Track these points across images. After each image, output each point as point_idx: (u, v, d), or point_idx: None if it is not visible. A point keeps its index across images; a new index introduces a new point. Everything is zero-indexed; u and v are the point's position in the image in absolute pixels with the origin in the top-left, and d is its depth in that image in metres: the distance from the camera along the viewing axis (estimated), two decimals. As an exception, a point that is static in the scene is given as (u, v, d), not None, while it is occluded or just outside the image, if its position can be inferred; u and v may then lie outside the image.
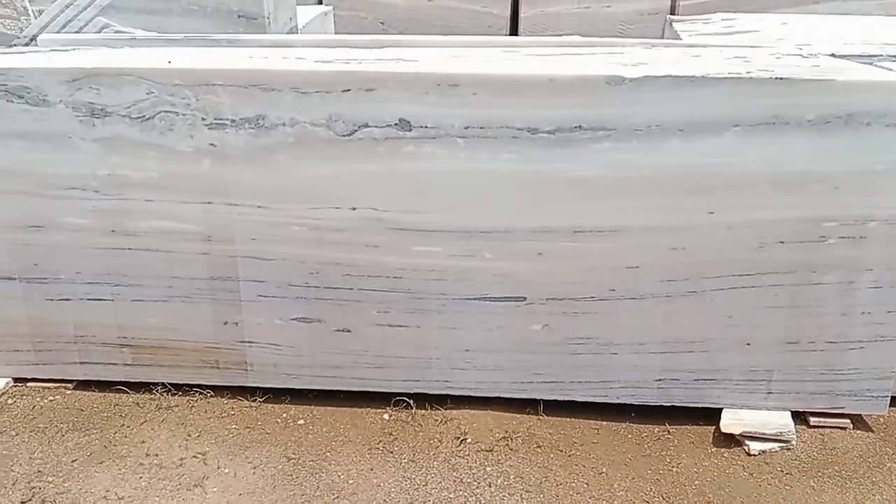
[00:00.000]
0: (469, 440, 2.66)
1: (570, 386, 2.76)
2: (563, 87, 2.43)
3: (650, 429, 2.73)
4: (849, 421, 2.72)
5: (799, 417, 2.72)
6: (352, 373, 2.83)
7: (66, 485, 2.44)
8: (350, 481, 2.47)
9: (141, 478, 2.47)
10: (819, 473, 2.51)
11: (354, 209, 2.61)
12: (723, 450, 2.63)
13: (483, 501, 2.38)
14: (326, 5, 6.26)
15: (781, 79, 2.38)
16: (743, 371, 2.68)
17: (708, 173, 2.47)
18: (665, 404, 2.75)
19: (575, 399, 2.77)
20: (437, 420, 2.76)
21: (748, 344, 2.64)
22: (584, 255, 2.59)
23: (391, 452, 2.60)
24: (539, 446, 2.63)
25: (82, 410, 2.82)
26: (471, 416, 2.78)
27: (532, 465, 2.54)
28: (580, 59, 2.89)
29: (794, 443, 2.62)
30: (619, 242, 2.57)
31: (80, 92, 2.56)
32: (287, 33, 4.85)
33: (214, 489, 2.42)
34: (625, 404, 2.78)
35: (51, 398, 2.89)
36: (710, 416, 2.74)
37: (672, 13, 8.06)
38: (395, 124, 2.50)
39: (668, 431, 2.72)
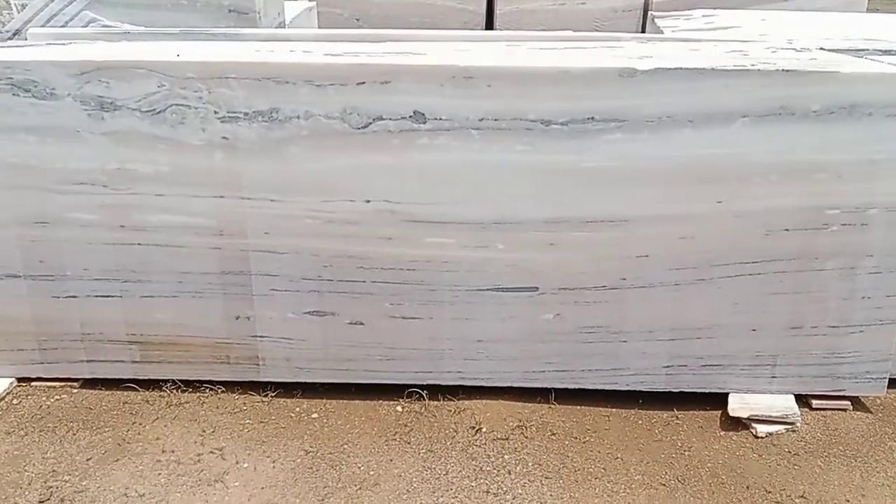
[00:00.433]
0: (484, 430, 2.69)
1: (580, 374, 2.81)
2: (576, 79, 2.47)
3: (659, 414, 2.79)
4: (849, 403, 2.82)
5: (801, 400, 2.80)
6: (364, 365, 2.84)
7: (83, 483, 2.41)
8: (371, 472, 2.48)
9: (159, 474, 2.45)
10: (825, 453, 2.60)
11: (368, 202, 2.62)
12: (731, 433, 2.70)
13: (505, 488, 2.41)
14: (310, 1, 6.22)
15: (788, 71, 2.45)
16: (749, 356, 2.75)
17: (717, 163, 2.53)
18: (673, 390, 2.82)
19: (586, 387, 2.82)
20: (450, 410, 2.79)
21: (754, 330, 2.72)
22: (595, 244, 2.64)
23: (408, 443, 2.62)
24: (553, 434, 2.67)
25: (91, 409, 2.78)
26: (484, 405, 2.81)
27: (548, 452, 2.58)
28: (585, 52, 2.93)
29: (798, 425, 2.70)
30: (630, 232, 2.62)
31: (88, 85, 2.52)
32: (276, 28, 4.82)
33: (236, 483, 2.42)
34: (633, 391, 2.84)
35: (57, 397, 2.85)
36: (716, 400, 2.81)
37: (645, 10, 8.18)
38: (410, 116, 2.51)
39: (677, 417, 2.78)
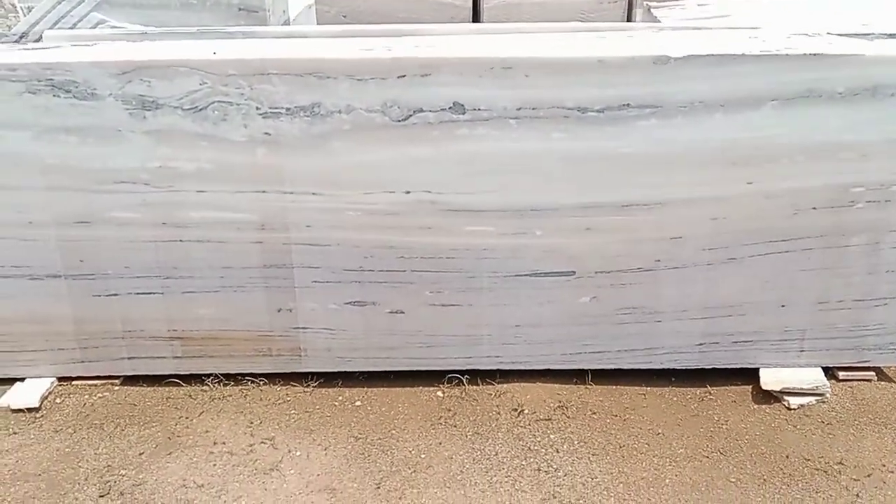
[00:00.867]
0: (526, 411, 2.76)
1: (616, 355, 2.89)
2: (611, 67, 2.54)
3: (692, 391, 2.88)
4: (874, 373, 2.92)
5: (828, 372, 2.90)
6: (405, 353, 2.89)
7: (140, 476, 2.44)
8: (422, 455, 2.54)
9: (215, 465, 2.49)
10: (856, 422, 2.70)
11: (408, 193, 2.67)
12: (763, 406, 2.79)
13: (555, 466, 2.48)
14: (305, -2, 6.22)
15: (816, 55, 2.53)
16: (778, 331, 2.85)
17: (747, 146, 2.61)
18: (706, 367, 2.91)
19: (621, 367, 2.90)
20: (490, 394, 2.85)
21: (783, 306, 2.81)
22: (630, 228, 2.71)
23: (454, 427, 2.68)
24: (594, 413, 2.75)
25: (135, 405, 2.81)
26: (522, 388, 2.88)
27: (592, 430, 2.66)
28: (610, 41, 3.00)
29: (828, 396, 2.80)
30: (664, 215, 2.69)
31: (130, 84, 2.54)
32: (282, 25, 4.84)
33: (291, 471, 2.46)
34: (665, 369, 2.92)
35: (99, 395, 2.87)
36: (746, 375, 2.90)
37: (630, 1, 8.29)
38: (450, 108, 2.57)
39: (710, 392, 2.87)
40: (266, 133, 2.60)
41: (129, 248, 2.73)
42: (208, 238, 2.72)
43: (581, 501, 2.34)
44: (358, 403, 2.82)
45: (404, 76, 2.54)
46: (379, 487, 2.39)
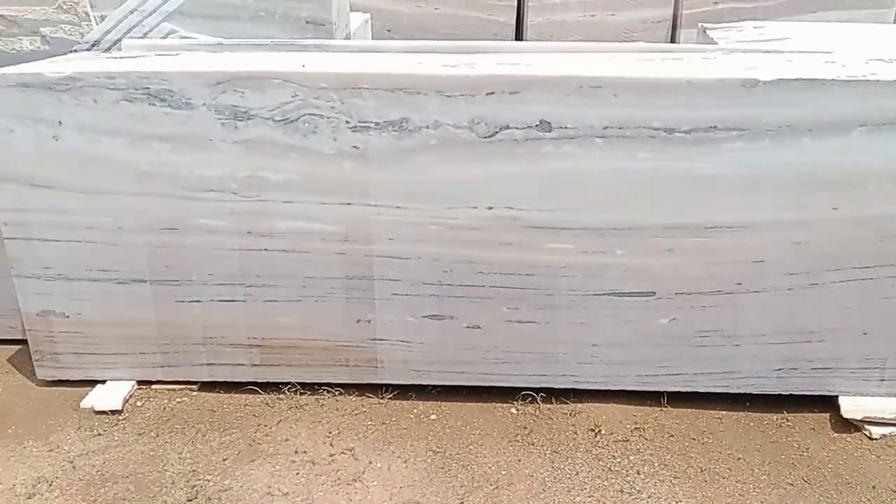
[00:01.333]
0: (603, 431, 2.75)
1: (692, 377, 2.87)
2: (700, 88, 2.54)
3: (769, 416, 2.85)
4: (955, 404, 2.87)
5: (908, 402, 2.86)
6: (479, 368, 2.90)
7: (225, 482, 2.47)
8: (503, 472, 2.54)
9: (297, 474, 2.51)
10: (941, 454, 2.66)
11: (491, 208, 2.69)
12: (844, 435, 2.75)
13: (637, 488, 2.47)
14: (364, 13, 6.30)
15: (907, 81, 2.52)
16: (858, 359, 2.81)
17: (834, 171, 2.60)
18: (783, 393, 2.88)
19: (698, 390, 2.88)
20: (565, 413, 2.85)
21: (864, 333, 2.78)
22: (712, 250, 2.70)
23: (532, 444, 2.68)
24: (671, 435, 2.73)
25: (214, 411, 2.85)
26: (597, 408, 2.87)
27: (671, 453, 2.64)
28: (685, 62, 3.00)
29: (910, 426, 2.76)
30: (747, 238, 2.68)
31: (224, 95, 2.60)
32: (345, 39, 4.90)
33: (374, 483, 2.48)
34: (741, 394, 2.89)
35: (178, 400, 2.91)
36: (823, 402, 2.87)
37: (674, 22, 8.31)
38: (536, 125, 2.59)
39: (787, 419, 2.84)
40: (354, 146, 2.63)
41: (215, 256, 2.78)
42: (293, 248, 2.76)
43: (665, 524, 2.33)
44: (433, 417, 2.83)
45: (493, 93, 2.56)
46: (462, 503, 2.40)
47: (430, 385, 2.94)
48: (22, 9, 4.70)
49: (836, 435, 2.75)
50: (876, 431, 2.74)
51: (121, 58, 3.04)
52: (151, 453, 2.61)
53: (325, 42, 3.82)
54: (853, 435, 2.75)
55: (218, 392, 2.95)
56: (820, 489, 2.48)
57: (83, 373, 2.98)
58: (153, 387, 2.96)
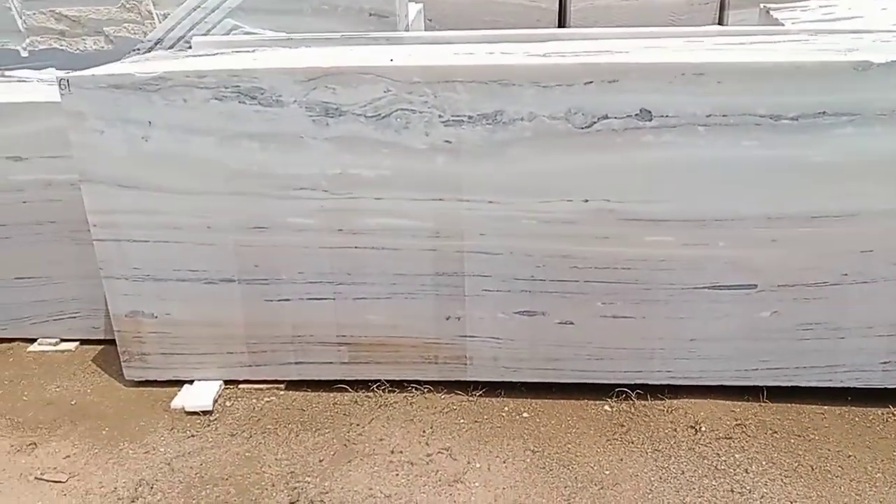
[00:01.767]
0: (703, 428, 2.67)
1: (794, 372, 2.78)
2: (808, 73, 2.44)
3: (874, 411, 2.75)
4: None
5: None
6: (571, 365, 2.84)
7: (325, 484, 2.45)
8: (606, 472, 2.48)
9: (397, 475, 2.48)
10: None
11: (587, 201, 2.62)
12: (957, 430, 2.65)
13: (748, 488, 2.39)
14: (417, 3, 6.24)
15: None
16: (970, 352, 2.70)
17: (950, 156, 2.49)
18: (889, 386, 2.77)
19: (799, 384, 2.79)
20: (661, 410, 2.77)
21: (978, 324, 2.67)
22: (818, 240, 2.60)
23: (631, 443, 2.61)
24: (775, 432, 2.65)
25: (303, 410, 2.82)
26: (694, 404, 2.79)
27: (777, 450, 2.56)
28: (793, 46, 2.89)
29: None
30: (855, 227, 2.58)
31: (315, 91, 2.56)
32: (404, 30, 4.85)
33: (476, 484, 2.43)
34: (841, 388, 2.79)
35: (266, 399, 2.89)
36: (931, 397, 2.76)
37: (721, 3, 8.11)
38: (636, 115, 2.50)
39: (893, 413, 2.74)
40: (447, 141, 2.58)
41: (304, 254, 2.75)
42: (383, 245, 2.72)
43: (781, 526, 2.25)
44: (525, 415, 2.78)
45: (591, 82, 2.48)
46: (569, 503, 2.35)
47: (518, 382, 2.89)
48: (85, 9, 4.74)
49: (949, 431, 2.65)
50: None
51: (202, 56, 3.01)
52: (247, 454, 2.59)
53: (395, 34, 3.77)
54: (967, 431, 2.64)
55: (305, 391, 2.92)
56: (942, 488, 2.38)
57: (170, 373, 2.97)
58: (240, 386, 2.95)
